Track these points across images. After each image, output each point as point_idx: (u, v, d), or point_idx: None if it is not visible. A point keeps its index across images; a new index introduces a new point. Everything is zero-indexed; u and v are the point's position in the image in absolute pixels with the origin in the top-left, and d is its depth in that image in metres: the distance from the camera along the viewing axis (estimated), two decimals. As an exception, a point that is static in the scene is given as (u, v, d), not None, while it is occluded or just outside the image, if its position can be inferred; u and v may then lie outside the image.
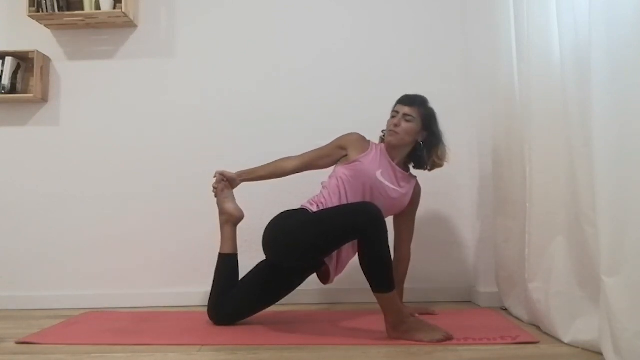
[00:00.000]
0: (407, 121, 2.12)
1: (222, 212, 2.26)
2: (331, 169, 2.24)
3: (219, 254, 2.22)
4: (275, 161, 2.27)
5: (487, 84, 2.44)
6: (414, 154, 2.19)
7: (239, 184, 2.30)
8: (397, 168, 2.17)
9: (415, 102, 2.16)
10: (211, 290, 2.18)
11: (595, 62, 1.45)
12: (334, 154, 2.21)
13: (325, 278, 2.14)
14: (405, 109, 2.13)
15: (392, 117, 2.17)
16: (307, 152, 2.26)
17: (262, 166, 2.28)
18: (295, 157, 2.25)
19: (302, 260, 2.02)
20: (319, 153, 2.24)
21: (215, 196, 2.28)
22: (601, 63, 1.43)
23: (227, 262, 2.20)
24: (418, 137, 2.16)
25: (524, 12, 1.97)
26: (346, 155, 2.18)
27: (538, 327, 1.94)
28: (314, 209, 2.07)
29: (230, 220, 2.25)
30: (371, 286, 1.82)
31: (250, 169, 2.29)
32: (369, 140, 2.21)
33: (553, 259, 1.81)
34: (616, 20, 1.40)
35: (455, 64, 2.73)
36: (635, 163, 1.36)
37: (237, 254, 2.22)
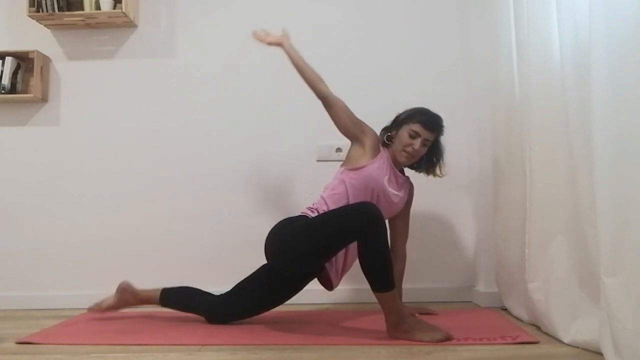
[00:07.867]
0: (424, 145, 2.13)
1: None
2: (333, 174, 2.21)
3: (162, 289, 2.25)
4: (318, 74, 2.16)
5: (487, 83, 2.44)
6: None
7: (282, 44, 2.18)
8: (399, 174, 2.20)
9: (436, 129, 2.14)
10: (206, 298, 2.18)
11: (595, 61, 1.44)
12: (354, 127, 2.13)
13: (328, 285, 2.14)
14: (426, 134, 2.11)
15: (411, 136, 2.10)
16: (340, 99, 2.15)
17: (307, 63, 2.16)
18: (331, 91, 2.15)
19: (306, 266, 2.01)
20: (348, 112, 2.14)
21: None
22: (601, 62, 1.43)
23: (175, 293, 2.25)
24: None
25: (524, 11, 1.97)
26: (359, 147, 2.13)
27: (538, 327, 1.94)
28: (315, 215, 2.06)
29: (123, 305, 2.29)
30: (371, 285, 1.82)
31: (298, 53, 2.17)
32: (379, 146, 2.18)
33: (553, 259, 1.81)
34: (616, 20, 1.40)
35: (455, 64, 2.72)
36: (635, 163, 1.36)
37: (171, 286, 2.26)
